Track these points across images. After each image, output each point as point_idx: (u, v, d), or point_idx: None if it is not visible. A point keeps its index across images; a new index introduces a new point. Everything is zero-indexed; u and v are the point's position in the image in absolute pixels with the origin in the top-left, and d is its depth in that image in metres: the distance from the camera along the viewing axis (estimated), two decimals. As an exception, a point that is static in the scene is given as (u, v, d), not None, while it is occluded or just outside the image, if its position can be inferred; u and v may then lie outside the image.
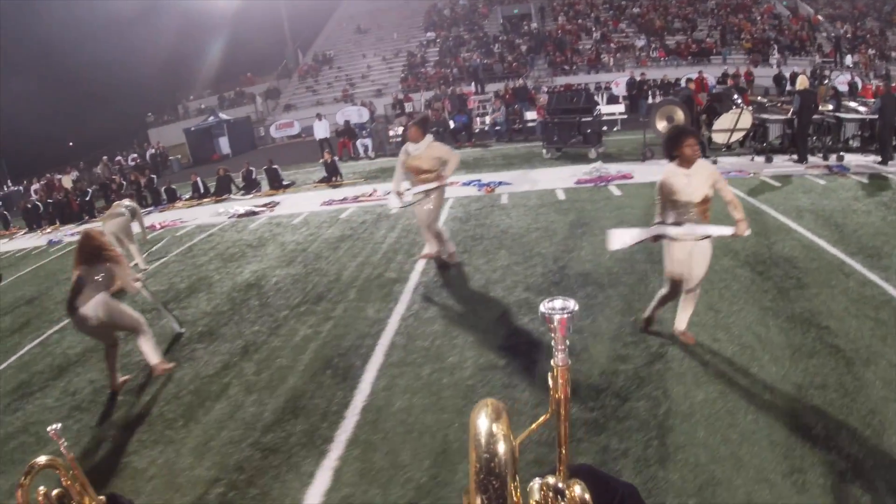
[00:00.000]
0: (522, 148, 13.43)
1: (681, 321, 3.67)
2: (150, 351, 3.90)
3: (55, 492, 1.27)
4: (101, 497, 1.28)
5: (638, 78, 18.40)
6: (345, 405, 3.35)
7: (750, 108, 10.58)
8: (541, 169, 10.57)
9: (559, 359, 0.99)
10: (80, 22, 35.82)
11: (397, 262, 6.03)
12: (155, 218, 11.89)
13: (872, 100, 13.64)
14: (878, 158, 9.49)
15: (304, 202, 10.43)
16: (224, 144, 26.65)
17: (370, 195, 9.94)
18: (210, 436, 3.23)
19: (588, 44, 26.43)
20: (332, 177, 12.17)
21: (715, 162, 10.15)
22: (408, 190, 5.12)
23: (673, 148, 3.29)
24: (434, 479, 2.63)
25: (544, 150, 11.83)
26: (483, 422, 0.92)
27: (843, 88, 16.43)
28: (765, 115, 10.60)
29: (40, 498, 1.23)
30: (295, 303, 5.17)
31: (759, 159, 10.27)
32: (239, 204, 11.55)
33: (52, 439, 1.45)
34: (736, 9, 26.94)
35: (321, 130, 16.36)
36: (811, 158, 9.90)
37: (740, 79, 17.41)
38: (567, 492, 1.00)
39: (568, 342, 0.96)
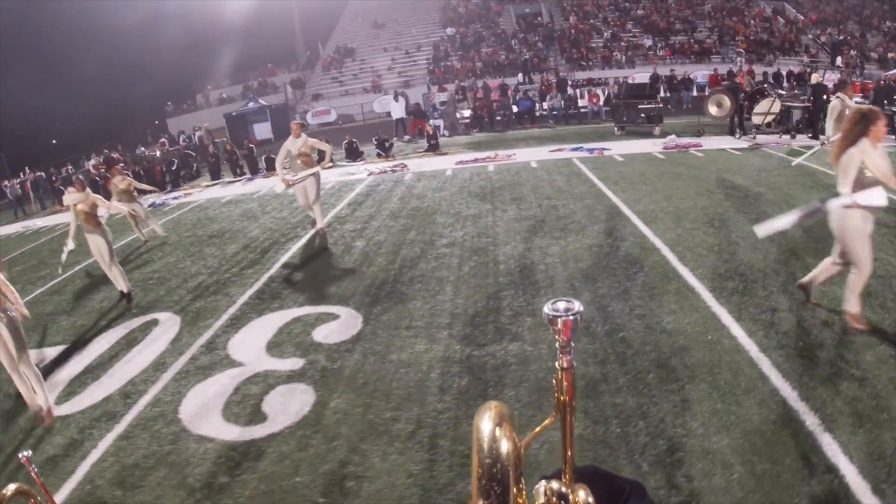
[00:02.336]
0: (587, 128, 16.74)
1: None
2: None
3: None
4: None
5: (668, 73, 21.84)
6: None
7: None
8: (619, 142, 13.84)
9: (564, 361, 1.00)
10: (91, 18, 37.38)
11: (582, 191, 9.09)
12: (274, 181, 14.47)
13: (860, 95, 17.45)
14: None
15: (436, 164, 13.40)
16: (260, 129, 28.93)
17: (494, 157, 13.01)
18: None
19: (599, 42, 29.95)
20: (435, 146, 15.18)
21: (755, 138, 13.58)
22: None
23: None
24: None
25: (615, 128, 15.11)
26: (486, 425, 0.93)
27: (833, 86, 20.22)
28: (789, 103, 14.07)
29: None
30: (534, 210, 8.14)
31: (785, 137, 13.67)
32: (362, 166, 14.47)
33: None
34: (730, 12, 30.86)
35: (397, 111, 19.25)
36: (821, 137, 13.35)
37: (754, 74, 21.02)
38: (571, 496, 1.02)
39: (573, 343, 0.98)
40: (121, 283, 6.64)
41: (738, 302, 4.66)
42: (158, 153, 26.61)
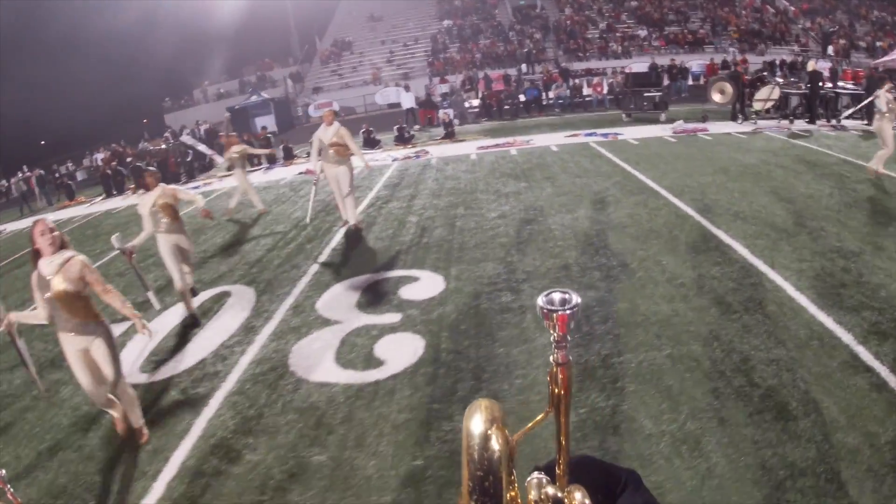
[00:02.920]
0: (594, 116, 17.54)
1: None
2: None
3: None
4: None
5: (668, 63, 22.67)
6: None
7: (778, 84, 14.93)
8: (629, 127, 14.64)
9: (559, 356, 0.98)
10: (82, 16, 37.52)
11: (608, 170, 9.86)
12: (295, 169, 15.19)
13: (851, 82, 18.34)
14: (866, 121, 13.87)
15: (457, 149, 14.11)
16: (262, 123, 29.29)
17: (513, 142, 13.75)
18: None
19: (595, 33, 30.76)
20: (451, 134, 15.89)
21: (755, 123, 14.43)
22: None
23: None
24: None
25: (623, 115, 15.90)
26: (476, 427, 0.92)
27: (827, 74, 21.17)
28: (787, 90, 14.94)
29: None
30: (569, 186, 8.88)
31: (784, 122, 14.54)
32: (384, 153, 15.17)
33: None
34: (721, 2, 31.78)
35: (407, 101, 19.93)
36: (818, 122, 14.24)
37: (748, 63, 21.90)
38: (566, 499, 1.01)
39: (569, 338, 0.94)
40: (189, 279, 5.97)
41: (770, 254, 5.45)
42: (164, 146, 26.98)
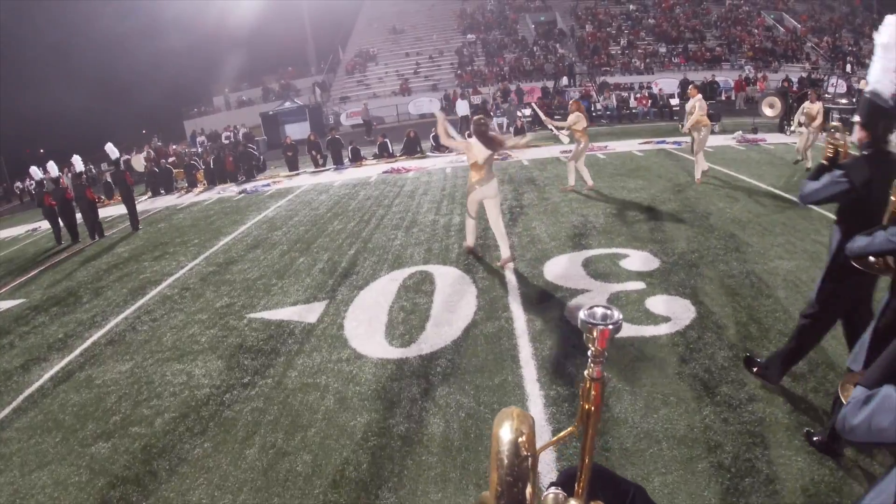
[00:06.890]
0: (647, 126, 19.54)
1: None
2: None
3: None
4: None
5: (705, 80, 24.90)
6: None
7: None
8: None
9: (594, 371, 1.01)
10: (101, 25, 38.86)
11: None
12: (370, 170, 16.61)
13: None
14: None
15: (537, 153, 15.82)
16: (292, 129, 30.78)
17: (593, 147, 15.54)
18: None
19: (617, 50, 33.09)
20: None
21: (801, 134, 16.48)
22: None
23: None
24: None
25: (680, 125, 17.88)
26: (506, 435, 0.97)
27: (843, 90, 23.60)
28: (829, 105, 17.12)
29: None
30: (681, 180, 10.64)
31: (824, 134, 16.66)
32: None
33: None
34: (735, 22, 34.41)
35: (462, 108, 21.82)
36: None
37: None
38: None
39: (607, 354, 0.97)
40: None
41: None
42: (200, 149, 28.37)
